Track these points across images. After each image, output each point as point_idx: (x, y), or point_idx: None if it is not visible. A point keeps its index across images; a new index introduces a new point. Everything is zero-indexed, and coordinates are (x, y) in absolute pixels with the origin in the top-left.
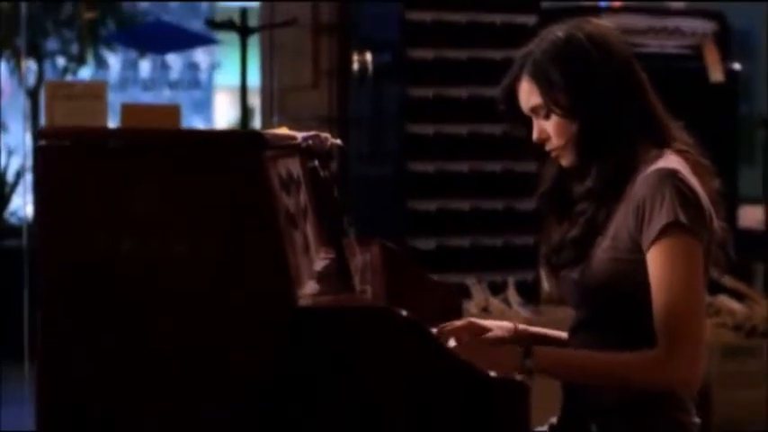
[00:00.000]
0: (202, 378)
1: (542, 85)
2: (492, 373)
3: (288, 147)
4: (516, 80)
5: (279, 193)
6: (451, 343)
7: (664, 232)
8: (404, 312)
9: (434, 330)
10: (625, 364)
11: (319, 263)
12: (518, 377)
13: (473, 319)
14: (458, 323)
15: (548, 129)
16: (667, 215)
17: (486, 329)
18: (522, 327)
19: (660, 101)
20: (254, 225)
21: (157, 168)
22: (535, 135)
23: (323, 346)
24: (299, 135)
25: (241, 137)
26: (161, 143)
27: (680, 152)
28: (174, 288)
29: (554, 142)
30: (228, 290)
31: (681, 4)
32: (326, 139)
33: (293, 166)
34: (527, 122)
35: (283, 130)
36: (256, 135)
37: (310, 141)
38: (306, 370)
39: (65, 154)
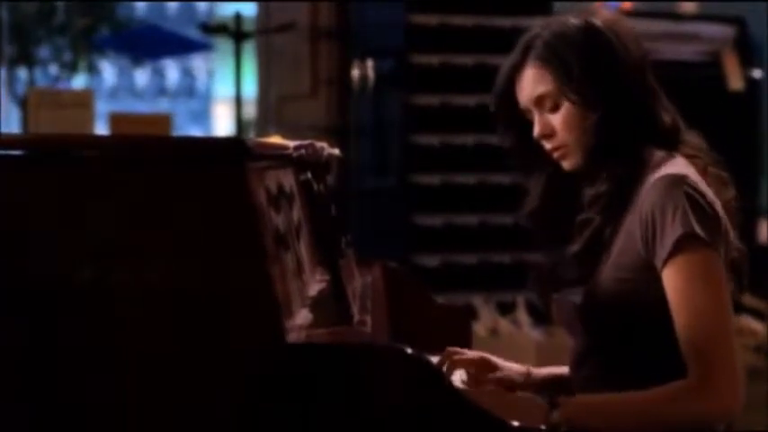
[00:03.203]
0: (177, 428)
1: (555, 68)
2: (515, 423)
3: (278, 157)
4: (518, 67)
5: (266, 209)
6: (461, 376)
7: (678, 246)
8: (408, 349)
9: (443, 355)
10: (658, 401)
11: (314, 286)
12: (543, 428)
13: (485, 355)
14: (469, 354)
15: (554, 123)
16: (681, 226)
17: (496, 367)
18: (534, 370)
19: (672, 104)
20: (236, 247)
21: (120, 181)
22: (537, 131)
23: (315, 387)
24: (291, 144)
25: (220, 145)
26: (124, 152)
27: (689, 157)
28: (139, 321)
29: (560, 138)
30: (205, 324)
31: (692, 7)
32: (322, 149)
33: (285, 178)
34: (521, 129)
35: (276, 139)
36: (238, 143)
37: (303, 151)
38: (296, 415)
39: (10, 164)
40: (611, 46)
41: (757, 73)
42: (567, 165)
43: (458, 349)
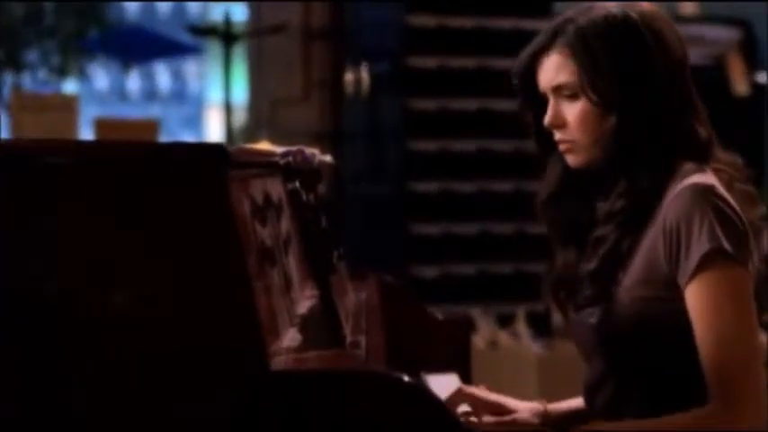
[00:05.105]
0: None
1: (581, 61)
2: None
3: (264, 165)
4: (544, 50)
5: (250, 221)
6: (464, 408)
7: (705, 263)
8: (405, 377)
9: (454, 392)
10: (679, 428)
11: (304, 303)
12: None
13: (500, 398)
14: (482, 396)
15: (568, 115)
16: (708, 241)
17: (511, 410)
18: (551, 407)
19: (705, 114)
20: (215, 263)
21: (86, 192)
22: (548, 118)
23: (303, 420)
24: (279, 151)
25: (196, 151)
26: (90, 159)
27: (716, 170)
28: (104, 345)
29: (571, 132)
30: (179, 350)
31: (692, 8)
32: (313, 155)
33: (273, 188)
34: (541, 108)
35: (264, 145)
36: (217, 149)
37: (290, 158)
38: None
39: None
40: (648, 46)
41: (763, 77)
42: (571, 161)
43: (470, 389)
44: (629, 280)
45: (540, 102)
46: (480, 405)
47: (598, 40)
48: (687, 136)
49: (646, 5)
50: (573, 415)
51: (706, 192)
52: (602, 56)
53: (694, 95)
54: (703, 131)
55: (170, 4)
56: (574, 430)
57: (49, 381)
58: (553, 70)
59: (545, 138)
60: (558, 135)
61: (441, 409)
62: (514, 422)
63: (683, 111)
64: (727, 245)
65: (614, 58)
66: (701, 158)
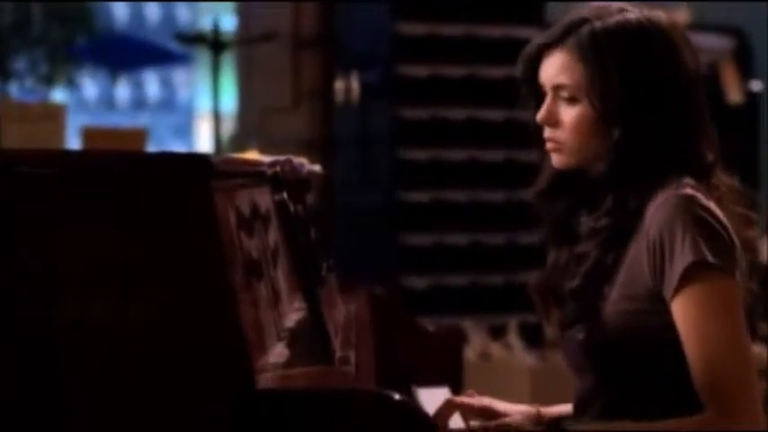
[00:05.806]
0: None
1: (590, 67)
2: None
3: (250, 175)
4: (553, 44)
5: (235, 233)
6: (457, 421)
7: (688, 275)
8: (396, 395)
9: (443, 404)
10: (678, 429)
11: (292, 317)
12: None
13: (489, 401)
14: (471, 403)
15: (563, 116)
16: (691, 254)
17: (501, 414)
18: (544, 410)
19: (715, 135)
20: (196, 277)
21: (70, 201)
22: (542, 114)
23: None
24: (266, 160)
25: (178, 161)
26: (74, 168)
27: (709, 186)
28: (85, 366)
29: (562, 134)
30: (158, 364)
31: (684, 16)
32: (302, 165)
33: (261, 198)
34: (540, 98)
35: (253, 155)
36: (199, 159)
37: (278, 168)
38: None
39: None
40: (659, 59)
41: (757, 85)
42: (555, 160)
43: (459, 398)
44: (615, 293)
45: (541, 93)
46: (471, 413)
47: (610, 49)
48: (691, 156)
49: (661, 15)
50: (566, 419)
51: (688, 202)
52: (611, 64)
53: (706, 116)
54: (710, 156)
55: (159, 12)
56: (570, 428)
57: (26, 391)
58: (557, 68)
59: (537, 128)
60: (547, 132)
61: (432, 429)
62: (504, 426)
63: (691, 130)
64: (710, 256)
65: (623, 68)
66: (700, 178)
